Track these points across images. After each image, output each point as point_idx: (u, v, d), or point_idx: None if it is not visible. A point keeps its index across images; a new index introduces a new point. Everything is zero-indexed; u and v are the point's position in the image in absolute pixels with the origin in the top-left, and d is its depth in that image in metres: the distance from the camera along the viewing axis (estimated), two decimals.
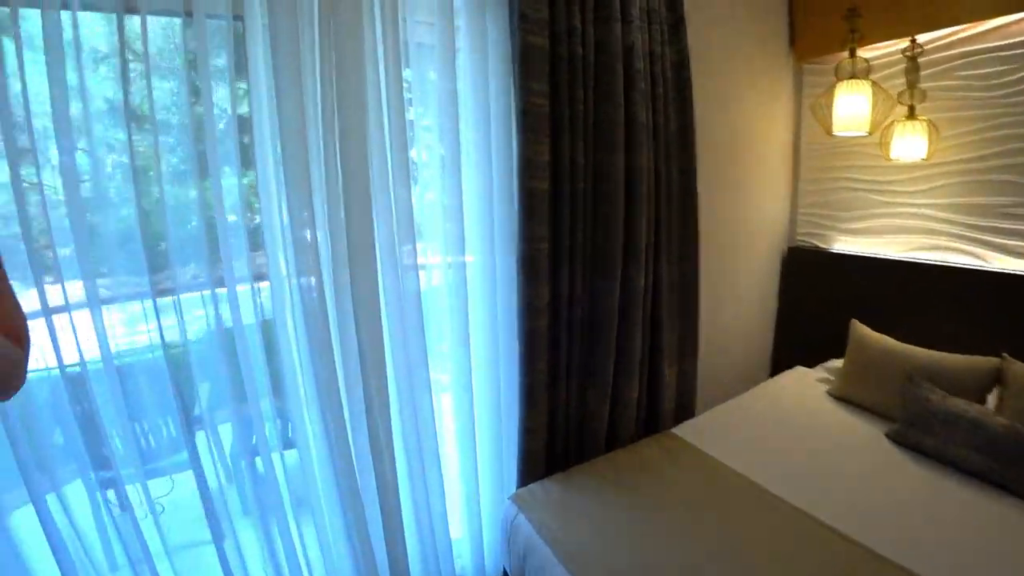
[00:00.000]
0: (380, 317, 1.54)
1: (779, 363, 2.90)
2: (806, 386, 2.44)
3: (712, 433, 2.08)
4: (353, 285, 1.47)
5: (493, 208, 1.67)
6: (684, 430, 2.11)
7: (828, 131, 2.40)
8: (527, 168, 1.59)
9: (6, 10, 1.25)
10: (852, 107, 2.30)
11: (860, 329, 2.37)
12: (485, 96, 1.59)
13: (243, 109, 1.48)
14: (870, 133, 2.32)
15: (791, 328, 2.90)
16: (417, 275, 1.58)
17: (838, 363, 2.49)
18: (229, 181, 1.41)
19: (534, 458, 1.90)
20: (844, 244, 2.66)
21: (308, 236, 1.41)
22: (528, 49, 1.54)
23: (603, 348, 1.89)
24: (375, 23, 1.43)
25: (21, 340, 0.75)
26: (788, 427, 2.11)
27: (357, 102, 1.40)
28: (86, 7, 1.33)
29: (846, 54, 2.33)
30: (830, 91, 2.37)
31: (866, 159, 2.51)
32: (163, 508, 1.56)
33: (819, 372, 2.55)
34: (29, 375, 0.78)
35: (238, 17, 1.39)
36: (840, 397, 2.28)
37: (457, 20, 1.54)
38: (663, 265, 1.96)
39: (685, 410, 2.26)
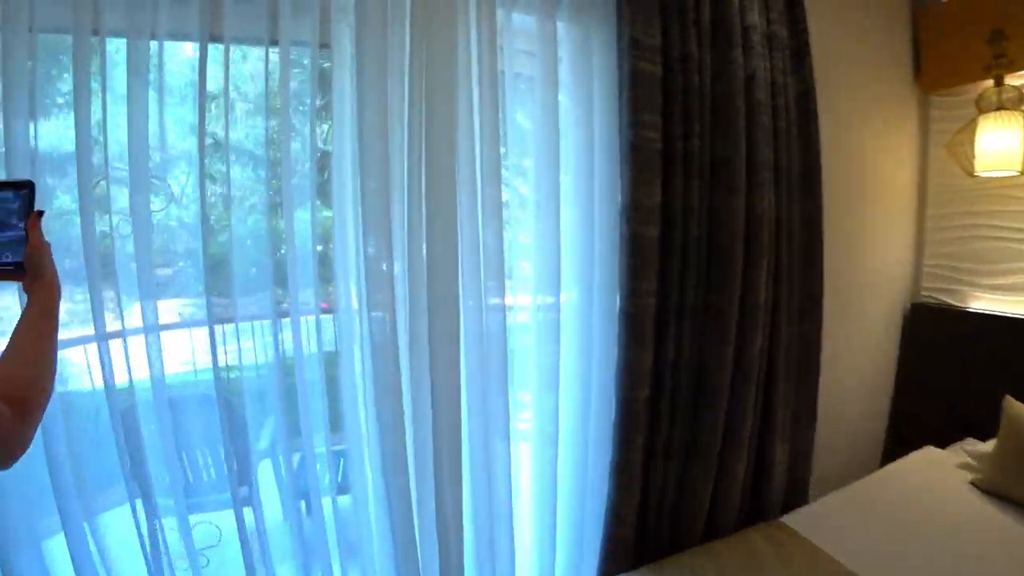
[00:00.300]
0: (458, 357, 1.39)
1: (897, 440, 2.48)
2: (942, 473, 2.03)
3: (829, 525, 1.73)
4: (431, 322, 1.34)
5: (594, 251, 1.47)
6: (796, 519, 1.77)
7: (968, 171, 2.07)
8: (635, 211, 1.38)
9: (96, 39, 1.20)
10: (1000, 143, 1.97)
11: (1016, 407, 1.95)
12: (589, 129, 1.41)
13: (325, 140, 1.40)
14: (1022, 173, 1.97)
15: (912, 399, 2.48)
16: (504, 316, 1.42)
17: (982, 446, 2.06)
18: (304, 212, 1.32)
19: (621, 546, 1.62)
20: (984, 302, 2.27)
21: (384, 269, 1.30)
22: (639, 77, 1.35)
23: (710, 421, 1.61)
24: (471, 51, 1.30)
25: (23, 407, 0.63)
26: (925, 524, 1.73)
27: (448, 134, 1.26)
28: (172, 36, 1.26)
29: (990, 83, 2.02)
30: (970, 126, 2.05)
31: (1016, 203, 2.14)
32: (207, 561, 1.43)
33: (956, 455, 2.13)
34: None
35: (325, 46, 1.29)
36: (991, 491, 1.87)
37: (560, 50, 1.38)
38: (781, 326, 1.68)
39: (796, 495, 1.92)
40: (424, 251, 1.31)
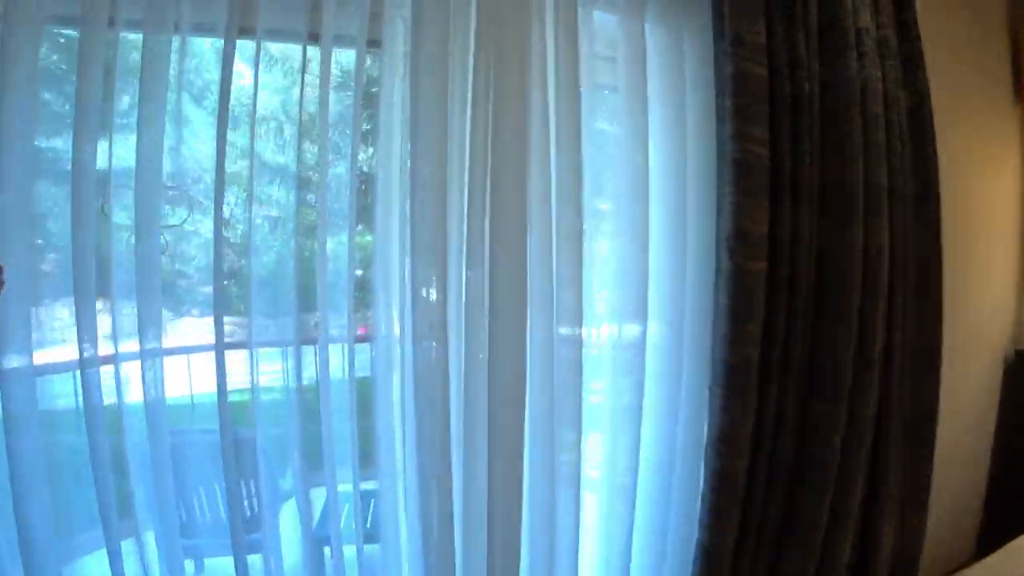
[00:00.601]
0: (523, 392, 1.16)
1: (998, 511, 2.14)
2: None
3: None
4: (492, 350, 1.13)
5: (686, 284, 1.25)
6: None
7: None
8: (739, 240, 1.14)
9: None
10: None
11: None
12: (680, 144, 1.20)
13: (369, 164, 1.25)
14: None
15: (1015, 463, 2.15)
16: (580, 350, 1.19)
17: None
18: (342, 235, 1.16)
19: None
20: None
21: (435, 294, 1.11)
22: (745, 80, 1.13)
23: (813, 498, 1.33)
24: (547, 55, 1.11)
25: None
26: None
27: (518, 149, 1.05)
28: (196, 29, 1.08)
29: None
30: None
31: None
32: None
33: None
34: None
35: (374, 43, 1.10)
36: None
37: (650, 60, 1.18)
38: (894, 381, 1.40)
39: None
40: (486, 278, 1.10)
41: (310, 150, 1.19)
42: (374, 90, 1.19)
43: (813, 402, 1.30)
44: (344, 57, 1.20)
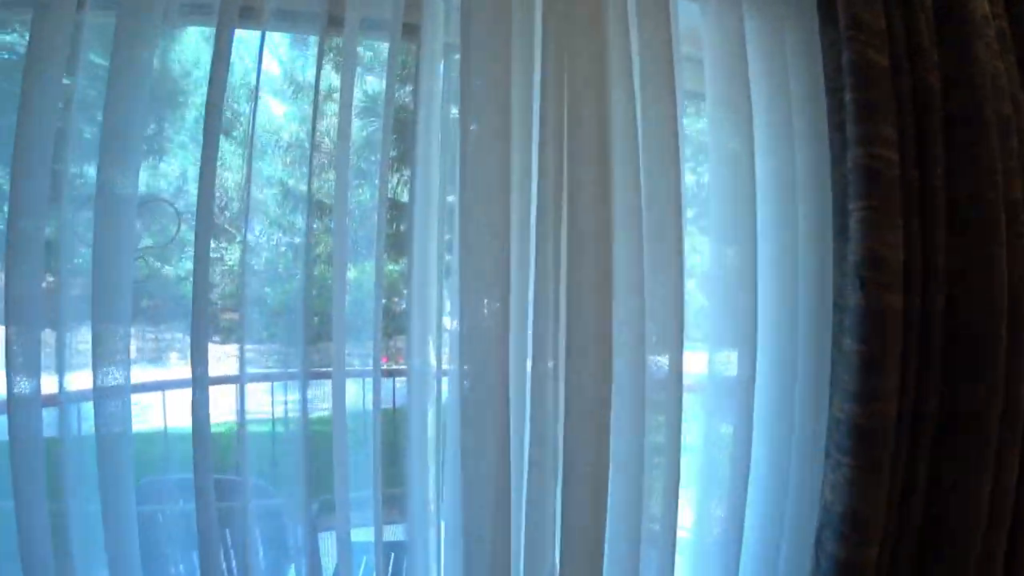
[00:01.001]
0: (607, 435, 0.94)
1: None
2: None
3: None
4: (569, 388, 0.93)
5: (798, 319, 1.02)
6: None
7: None
8: (872, 268, 0.90)
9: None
10: None
11: None
12: (787, 153, 0.98)
13: (396, 189, 1.13)
14: None
15: None
16: (679, 388, 0.97)
17: None
18: (365, 261, 1.05)
19: None
20: None
21: (491, 324, 0.92)
22: (868, 71, 0.91)
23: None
24: (631, 49, 0.91)
25: None
26: None
27: (599, 153, 0.83)
28: (188, 15, 0.88)
29: None
30: None
31: None
32: None
33: None
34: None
35: (411, 29, 0.89)
36: None
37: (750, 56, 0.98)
38: None
39: None
40: (562, 305, 0.91)
41: (329, 178, 1.02)
42: (404, 115, 1.02)
43: (949, 468, 1.04)
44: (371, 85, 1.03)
